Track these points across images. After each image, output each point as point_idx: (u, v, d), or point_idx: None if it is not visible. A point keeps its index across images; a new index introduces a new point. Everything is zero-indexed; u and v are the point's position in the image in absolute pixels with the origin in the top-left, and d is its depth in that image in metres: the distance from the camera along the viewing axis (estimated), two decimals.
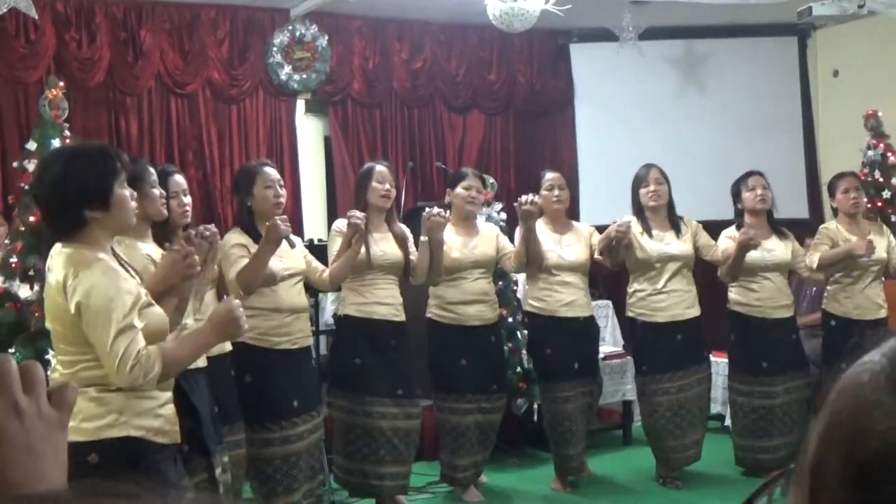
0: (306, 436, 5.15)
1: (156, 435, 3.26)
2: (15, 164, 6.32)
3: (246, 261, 4.90)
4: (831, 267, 6.12)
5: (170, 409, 3.37)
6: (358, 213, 5.33)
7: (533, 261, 5.95)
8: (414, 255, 5.70)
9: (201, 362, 4.14)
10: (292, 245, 5.09)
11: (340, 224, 5.57)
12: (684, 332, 6.13)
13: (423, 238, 5.64)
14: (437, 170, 9.07)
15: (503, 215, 7.05)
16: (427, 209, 5.63)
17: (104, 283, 3.05)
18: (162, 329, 3.27)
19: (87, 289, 3.04)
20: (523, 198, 5.72)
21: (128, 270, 3.32)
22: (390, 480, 5.61)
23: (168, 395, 3.36)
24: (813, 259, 6.11)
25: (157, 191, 4.28)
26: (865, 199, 7.75)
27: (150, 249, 4.14)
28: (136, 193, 3.34)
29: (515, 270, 6.22)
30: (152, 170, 4.35)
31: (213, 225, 4.32)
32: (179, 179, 4.76)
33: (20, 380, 0.99)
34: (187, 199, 4.75)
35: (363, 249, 5.42)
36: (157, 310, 3.26)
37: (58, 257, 3.14)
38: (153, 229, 4.56)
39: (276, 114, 8.68)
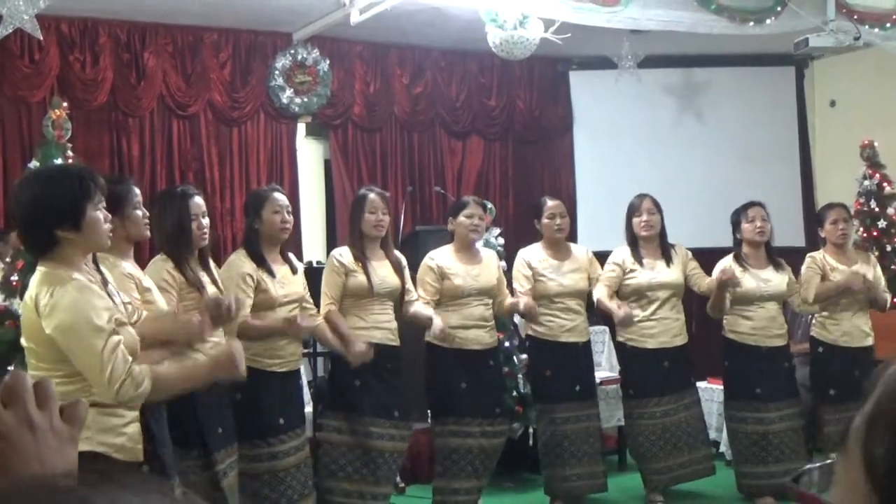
0: (293, 452, 5.25)
1: (117, 452, 3.29)
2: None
3: (249, 301, 5.03)
4: (827, 300, 6.24)
5: (134, 428, 3.40)
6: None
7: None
8: (409, 286, 5.81)
9: None
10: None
11: (339, 253, 5.66)
12: (671, 359, 6.27)
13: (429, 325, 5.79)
14: (436, 194, 9.12)
15: (501, 240, 7.09)
16: (437, 331, 5.71)
17: (79, 301, 3.10)
18: (133, 349, 3.30)
19: (65, 308, 3.08)
20: (525, 304, 5.95)
21: (112, 291, 3.37)
22: (383, 501, 5.67)
23: (134, 414, 3.39)
24: (808, 294, 6.23)
25: (139, 212, 4.27)
26: (861, 229, 7.82)
27: (130, 269, 4.14)
28: (110, 216, 3.38)
29: (502, 317, 6.37)
30: (137, 191, 4.34)
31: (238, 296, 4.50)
32: (199, 202, 4.79)
33: (34, 395, 1.03)
34: (206, 221, 4.78)
35: (364, 278, 5.51)
36: (130, 329, 3.30)
37: (35, 276, 3.20)
38: (169, 250, 4.65)
39: (277, 136, 8.74)
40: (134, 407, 3.36)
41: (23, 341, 3.28)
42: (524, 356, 6.79)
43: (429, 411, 6.30)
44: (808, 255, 6.50)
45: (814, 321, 6.52)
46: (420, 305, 5.78)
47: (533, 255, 6.23)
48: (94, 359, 3.07)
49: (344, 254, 5.62)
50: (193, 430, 4.57)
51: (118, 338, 3.12)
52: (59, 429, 1.04)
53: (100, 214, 3.24)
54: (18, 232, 3.40)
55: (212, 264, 4.96)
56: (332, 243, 8.84)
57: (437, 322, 5.66)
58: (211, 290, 4.73)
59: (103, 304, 3.15)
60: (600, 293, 6.16)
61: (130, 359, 3.13)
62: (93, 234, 3.21)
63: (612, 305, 6.08)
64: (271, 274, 5.15)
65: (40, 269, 3.18)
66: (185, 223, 4.67)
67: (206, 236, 4.80)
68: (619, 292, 6.31)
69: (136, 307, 3.66)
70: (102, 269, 3.48)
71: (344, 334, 5.41)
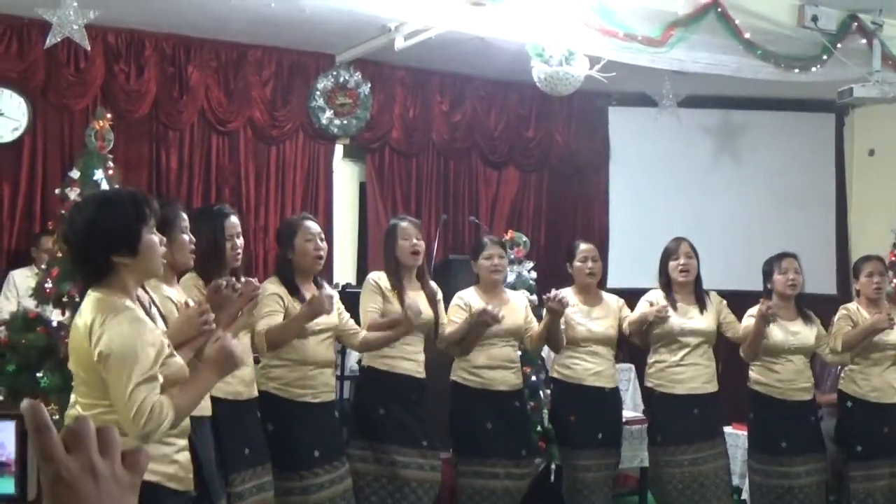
0: (328, 486, 5.07)
1: (170, 481, 3.26)
2: (57, 192, 6.41)
3: (277, 317, 4.92)
4: (856, 346, 6.12)
5: (184, 457, 3.37)
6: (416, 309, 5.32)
7: (552, 345, 6.05)
8: (443, 318, 5.72)
9: (206, 411, 4.09)
10: (329, 312, 5.06)
11: (376, 276, 5.58)
12: (701, 407, 6.07)
13: (461, 319, 5.68)
14: (470, 224, 9.12)
15: (533, 274, 7.06)
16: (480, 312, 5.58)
17: (129, 334, 3.05)
18: (177, 378, 3.24)
19: (111, 337, 3.03)
20: (553, 293, 5.70)
21: (155, 314, 3.35)
22: None
23: (184, 442, 3.35)
24: (837, 343, 6.09)
25: (186, 237, 4.20)
26: (894, 282, 7.74)
27: (173, 293, 4.08)
28: (164, 239, 3.32)
29: (533, 350, 6.24)
30: (184, 215, 4.28)
31: (254, 279, 4.24)
32: (235, 221, 4.72)
33: (97, 441, 1.03)
34: (240, 242, 4.71)
35: (398, 308, 5.40)
36: (179, 360, 3.24)
37: (87, 301, 3.15)
38: (201, 269, 4.55)
39: (315, 157, 8.78)
40: (182, 434, 3.35)
41: (71, 366, 3.23)
42: (550, 392, 6.74)
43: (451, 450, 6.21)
44: (842, 306, 6.41)
45: (843, 374, 6.40)
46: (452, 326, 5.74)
47: None
48: (123, 396, 3.02)
49: (381, 278, 5.53)
50: (219, 452, 4.46)
51: (154, 378, 3.07)
52: (121, 476, 1.03)
53: (155, 238, 3.20)
54: (72, 258, 3.35)
55: None
56: (363, 267, 8.85)
57: (479, 307, 5.60)
58: None
59: (152, 338, 3.10)
60: (631, 316, 6.08)
61: (157, 397, 3.06)
62: (148, 259, 3.17)
63: (644, 310, 5.97)
64: (304, 302, 5.04)
65: (94, 295, 3.12)
66: (220, 243, 4.60)
67: (240, 257, 4.71)
68: (649, 335, 6.21)
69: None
70: (151, 294, 3.46)
71: (390, 321, 5.34)
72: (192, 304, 3.94)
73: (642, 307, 6.10)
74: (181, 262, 4.23)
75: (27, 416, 1.01)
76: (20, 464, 0.96)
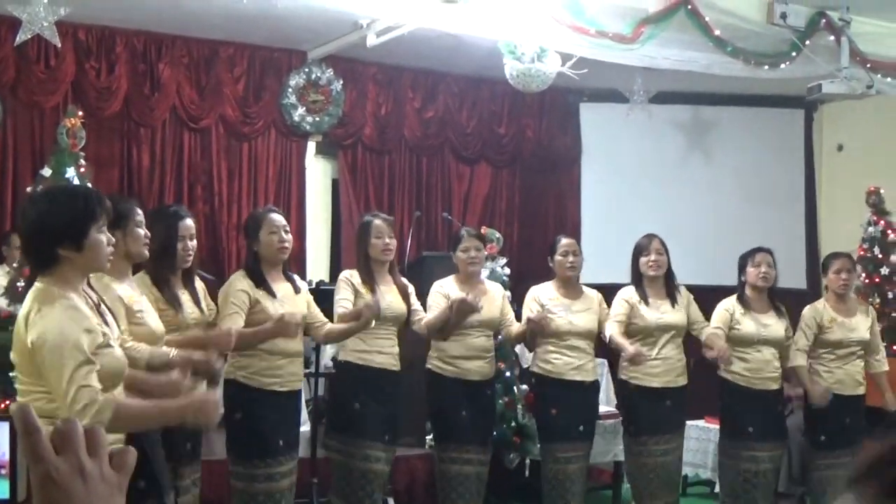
0: (288, 475, 5.25)
1: None
2: (28, 190, 6.39)
3: (238, 318, 5.01)
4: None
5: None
6: (373, 305, 5.39)
7: (528, 346, 6.28)
8: (416, 307, 5.81)
9: None
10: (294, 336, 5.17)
11: (348, 273, 5.68)
12: (673, 399, 6.26)
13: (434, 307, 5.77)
14: (443, 220, 9.14)
15: (507, 270, 7.10)
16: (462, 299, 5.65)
17: (62, 321, 3.11)
18: (118, 371, 3.33)
19: (45, 325, 3.10)
20: (535, 315, 5.87)
21: (105, 307, 3.40)
22: None
23: (117, 436, 3.36)
24: (796, 360, 6.32)
25: (141, 231, 4.35)
26: (864, 275, 7.84)
27: (125, 291, 4.17)
28: (113, 239, 3.41)
29: (509, 344, 6.36)
30: (140, 211, 4.43)
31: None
32: (189, 224, 4.87)
33: (85, 442, 1.05)
34: (192, 244, 4.85)
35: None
36: (117, 352, 3.31)
37: (31, 291, 3.22)
38: (150, 267, 4.66)
39: (287, 154, 8.78)
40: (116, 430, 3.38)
41: (11, 354, 3.28)
42: (524, 387, 6.80)
43: (426, 437, 6.29)
44: (809, 306, 6.51)
45: (809, 368, 6.53)
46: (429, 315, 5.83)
47: (544, 292, 6.21)
48: (62, 379, 3.07)
49: (353, 276, 5.64)
50: (166, 444, 4.54)
51: (91, 366, 3.12)
52: (109, 476, 1.05)
53: (102, 237, 3.28)
54: (22, 247, 3.45)
55: (198, 285, 5.01)
56: (336, 263, 8.85)
57: (458, 296, 5.68)
58: (189, 309, 4.78)
59: (87, 325, 3.17)
60: (613, 330, 6.14)
61: (99, 387, 3.12)
62: (93, 255, 3.25)
63: (625, 343, 6.05)
64: (271, 294, 5.15)
65: (37, 286, 3.20)
66: (172, 243, 4.74)
67: (191, 258, 4.85)
68: (625, 331, 6.30)
69: (120, 333, 3.67)
70: (96, 289, 3.51)
71: (354, 312, 5.41)
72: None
73: (619, 310, 6.19)
74: (135, 254, 4.36)
75: (16, 418, 1.03)
76: (11, 465, 0.97)
